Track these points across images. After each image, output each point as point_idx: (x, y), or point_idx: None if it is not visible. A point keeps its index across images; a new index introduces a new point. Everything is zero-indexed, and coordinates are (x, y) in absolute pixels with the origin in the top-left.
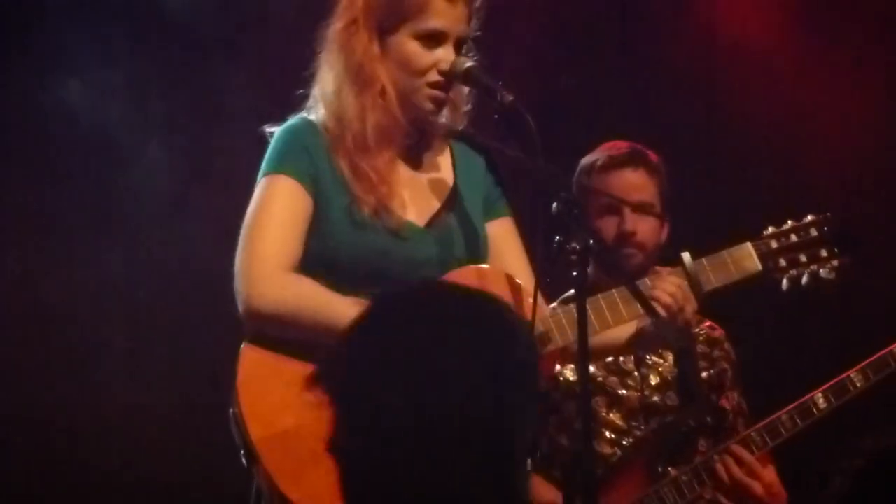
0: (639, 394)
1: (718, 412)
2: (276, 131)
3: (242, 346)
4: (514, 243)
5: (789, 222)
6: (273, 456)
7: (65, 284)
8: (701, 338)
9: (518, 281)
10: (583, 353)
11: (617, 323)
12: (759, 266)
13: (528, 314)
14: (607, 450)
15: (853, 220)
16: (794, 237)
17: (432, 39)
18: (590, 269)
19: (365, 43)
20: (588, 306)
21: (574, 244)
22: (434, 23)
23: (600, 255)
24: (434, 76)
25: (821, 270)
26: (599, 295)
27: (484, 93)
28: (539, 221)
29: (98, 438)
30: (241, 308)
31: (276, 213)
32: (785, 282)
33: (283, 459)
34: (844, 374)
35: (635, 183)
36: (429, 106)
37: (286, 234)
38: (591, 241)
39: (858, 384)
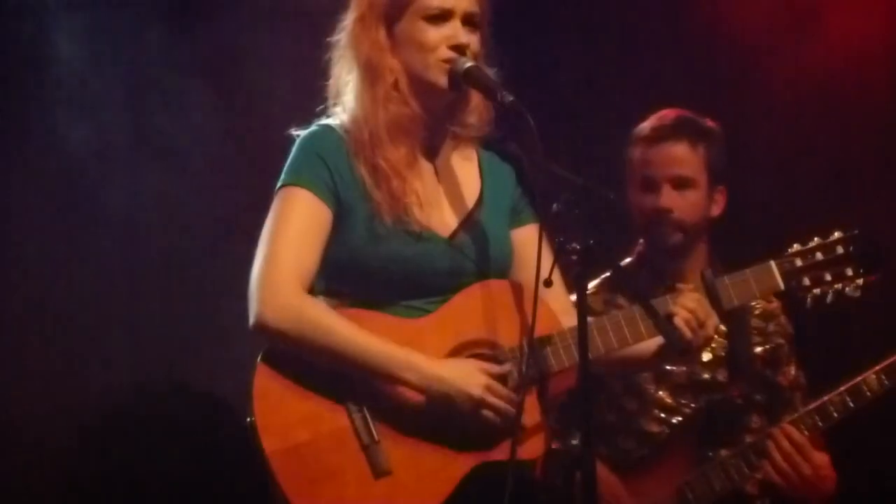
0: (687, 370)
1: (771, 388)
2: (297, 139)
3: (259, 358)
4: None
5: (815, 239)
6: (285, 469)
7: (64, 284)
8: (756, 311)
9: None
10: (583, 354)
11: (622, 345)
12: (782, 285)
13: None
14: (655, 428)
15: (880, 236)
16: (819, 255)
17: (439, 18)
18: (640, 240)
19: (374, 36)
20: (593, 327)
21: (574, 244)
22: (438, 0)
23: (602, 255)
24: (445, 52)
25: (846, 289)
26: (605, 316)
27: (485, 93)
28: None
29: (98, 439)
30: (252, 322)
31: (292, 227)
32: (809, 300)
33: (295, 473)
34: None
35: (676, 157)
36: (444, 80)
37: (302, 249)
38: (592, 242)
39: None
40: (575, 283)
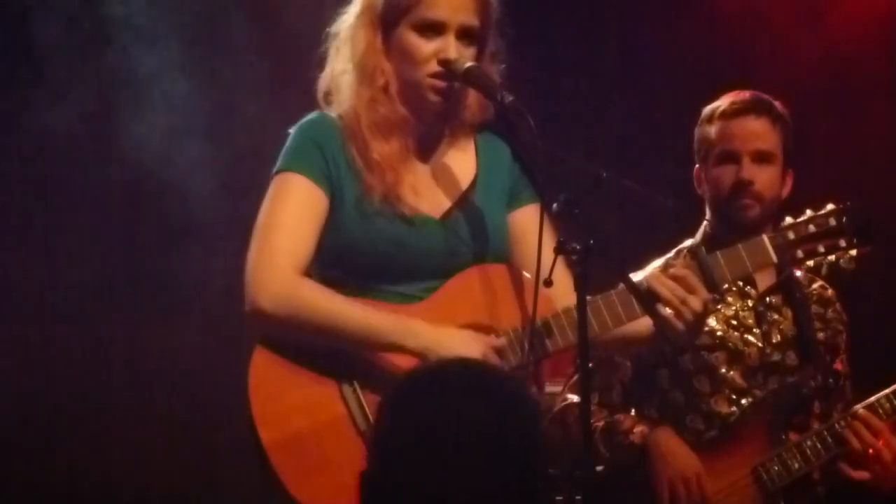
0: (759, 350)
1: (832, 375)
2: (293, 128)
3: (255, 347)
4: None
5: (808, 212)
6: (283, 459)
7: (65, 284)
8: (814, 297)
9: (525, 274)
10: (583, 354)
11: (616, 324)
12: (775, 258)
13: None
14: (725, 409)
15: (873, 208)
16: (811, 227)
17: (431, 30)
18: (707, 221)
19: (369, 38)
20: (588, 307)
21: (574, 244)
22: (430, 13)
23: (602, 254)
24: (434, 66)
25: (840, 261)
26: (599, 296)
27: (484, 93)
28: (540, 221)
29: (100, 439)
30: (246, 308)
31: (287, 212)
32: (803, 273)
33: (292, 463)
34: None
35: (757, 131)
36: (433, 98)
37: (297, 234)
38: (592, 241)
39: None
40: (575, 282)
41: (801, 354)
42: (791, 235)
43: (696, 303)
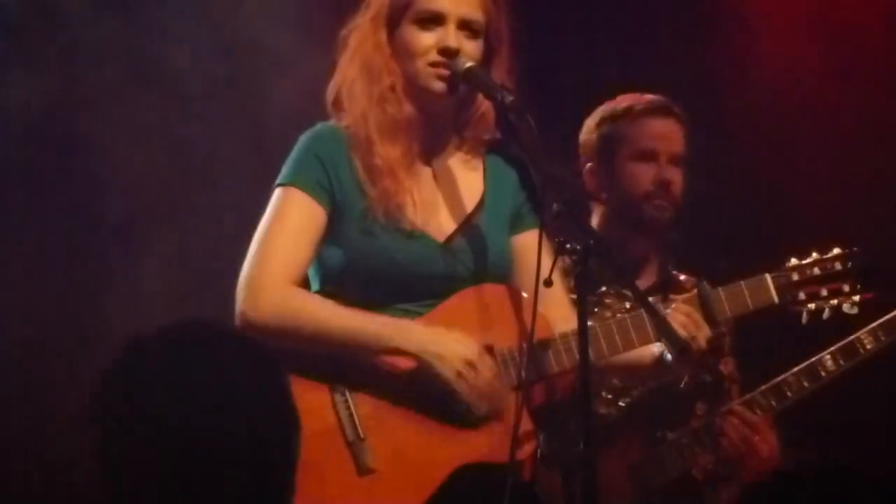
0: None
1: (717, 374)
2: (300, 137)
3: None
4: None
5: (813, 254)
6: None
7: (67, 282)
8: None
9: (524, 295)
10: (583, 353)
11: (627, 348)
12: (776, 299)
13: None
14: (603, 410)
15: (880, 254)
16: (816, 270)
17: (431, 21)
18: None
19: (376, 40)
20: (598, 331)
21: (574, 244)
22: (430, 4)
23: (601, 256)
24: (434, 56)
25: (843, 305)
26: (611, 319)
27: (484, 93)
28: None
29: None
30: (237, 318)
31: (283, 226)
32: (805, 315)
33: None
34: (854, 335)
35: (674, 133)
36: (437, 86)
37: (291, 247)
38: (591, 242)
39: (869, 346)
40: (575, 283)
41: (675, 354)
42: (795, 277)
43: (699, 341)
